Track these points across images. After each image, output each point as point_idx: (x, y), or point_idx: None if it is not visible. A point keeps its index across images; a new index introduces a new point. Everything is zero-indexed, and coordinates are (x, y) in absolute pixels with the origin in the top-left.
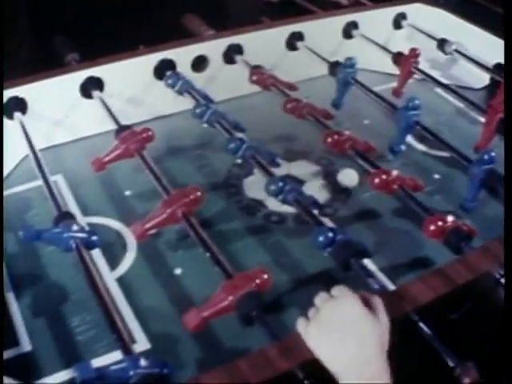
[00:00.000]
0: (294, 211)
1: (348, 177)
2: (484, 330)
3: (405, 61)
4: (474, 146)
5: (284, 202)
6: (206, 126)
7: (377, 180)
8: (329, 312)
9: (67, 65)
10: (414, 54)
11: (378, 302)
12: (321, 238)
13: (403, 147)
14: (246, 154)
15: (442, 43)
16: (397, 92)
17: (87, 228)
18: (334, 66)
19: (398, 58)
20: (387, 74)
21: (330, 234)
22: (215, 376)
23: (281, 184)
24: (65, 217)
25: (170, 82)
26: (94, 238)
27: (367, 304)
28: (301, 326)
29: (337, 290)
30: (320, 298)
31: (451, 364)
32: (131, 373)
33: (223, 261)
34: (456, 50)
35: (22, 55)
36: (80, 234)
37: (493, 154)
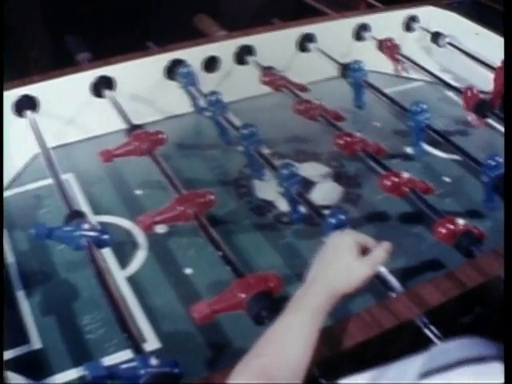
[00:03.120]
0: (304, 212)
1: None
2: (495, 334)
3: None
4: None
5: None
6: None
7: (387, 182)
8: (331, 238)
9: (79, 64)
10: (392, 43)
11: (376, 257)
12: (333, 220)
13: (423, 147)
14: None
15: (435, 36)
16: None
17: (99, 227)
18: (345, 69)
19: (381, 44)
20: (398, 76)
21: (342, 217)
22: (226, 376)
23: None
24: (76, 215)
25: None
26: (106, 236)
27: (366, 249)
28: None
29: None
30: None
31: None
32: (142, 372)
33: (234, 260)
34: (449, 43)
35: (33, 54)
36: (91, 233)
37: (498, 158)
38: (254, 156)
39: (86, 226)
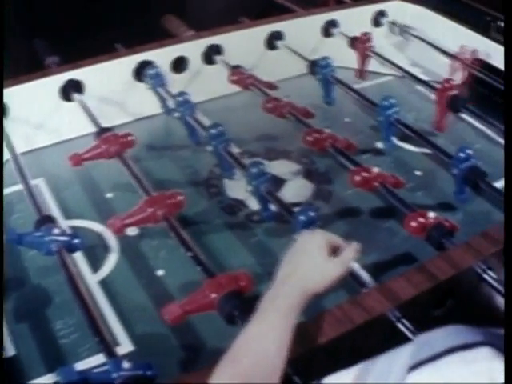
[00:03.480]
0: (274, 210)
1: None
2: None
3: (359, 44)
4: (434, 124)
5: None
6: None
7: (357, 178)
8: (301, 237)
9: (47, 68)
10: (367, 38)
11: (346, 256)
12: (302, 217)
13: (380, 144)
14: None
15: (402, 30)
16: (361, 74)
17: (69, 231)
18: (313, 65)
19: (352, 42)
20: (368, 71)
21: (312, 214)
22: (199, 376)
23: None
24: (46, 220)
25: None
26: (76, 240)
27: (336, 249)
28: None
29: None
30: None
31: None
32: (114, 375)
33: (205, 260)
34: (413, 35)
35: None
36: (61, 238)
37: (468, 151)
38: (223, 155)
39: (56, 231)
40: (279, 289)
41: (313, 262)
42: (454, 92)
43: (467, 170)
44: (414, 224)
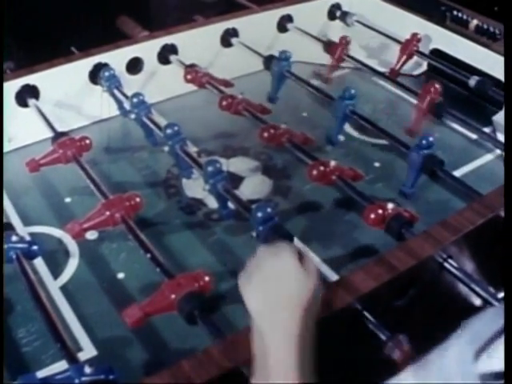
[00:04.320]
0: (233, 208)
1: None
2: (430, 314)
3: (335, 48)
4: (408, 129)
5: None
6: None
7: (315, 172)
8: (264, 259)
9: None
10: (345, 41)
11: (311, 263)
12: (259, 214)
13: (341, 137)
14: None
15: (343, 15)
16: (327, 79)
17: (27, 238)
18: (269, 60)
19: (329, 46)
20: (324, 65)
21: (269, 210)
22: (160, 378)
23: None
24: (4, 228)
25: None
26: (35, 247)
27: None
28: (240, 278)
29: (275, 245)
30: (259, 250)
31: (383, 338)
32: (76, 381)
33: (164, 262)
34: (357, 21)
35: None
36: (20, 245)
37: (431, 138)
38: (179, 155)
39: (14, 239)
40: (276, 318)
41: (295, 279)
42: (437, 97)
43: (426, 159)
44: (372, 216)
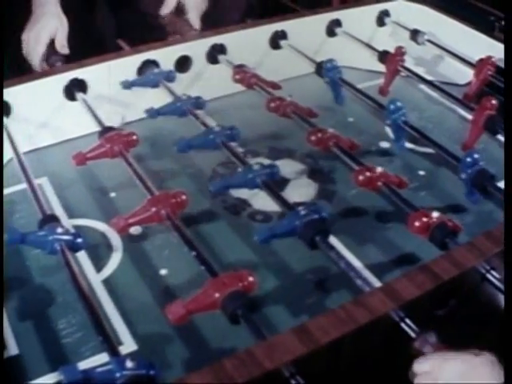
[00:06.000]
0: (278, 210)
1: None
2: (469, 326)
3: (391, 59)
4: (463, 144)
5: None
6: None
7: (361, 177)
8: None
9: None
10: (400, 52)
11: None
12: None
13: (403, 144)
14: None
15: (413, 34)
16: (383, 91)
17: (72, 230)
18: (320, 67)
19: (384, 56)
20: (371, 71)
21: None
22: (201, 376)
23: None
24: (49, 219)
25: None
26: (79, 240)
27: None
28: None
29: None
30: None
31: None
32: (117, 374)
33: (208, 260)
34: (428, 40)
35: None
36: (65, 237)
37: (476, 155)
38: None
39: (59, 230)
40: None
41: None
42: (493, 112)
43: (475, 174)
44: (417, 223)
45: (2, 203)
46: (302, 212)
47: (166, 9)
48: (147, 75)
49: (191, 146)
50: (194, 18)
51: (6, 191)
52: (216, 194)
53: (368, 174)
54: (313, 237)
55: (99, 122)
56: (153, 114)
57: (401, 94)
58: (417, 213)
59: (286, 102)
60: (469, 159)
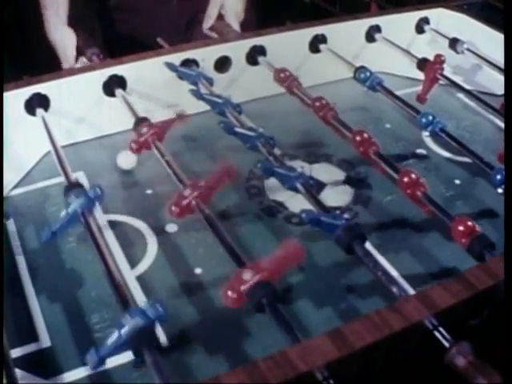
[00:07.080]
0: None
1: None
2: (502, 335)
3: (430, 67)
4: (498, 155)
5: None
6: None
7: (406, 179)
8: None
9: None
10: (440, 60)
11: None
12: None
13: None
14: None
15: (453, 42)
16: (421, 98)
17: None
18: (359, 73)
19: (422, 63)
20: (409, 78)
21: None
22: (235, 376)
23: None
24: (75, 186)
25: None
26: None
27: None
28: None
29: None
30: None
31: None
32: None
33: (244, 259)
34: (468, 49)
35: None
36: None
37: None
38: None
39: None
40: None
41: None
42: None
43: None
44: (461, 228)
45: (2, 203)
46: (343, 216)
47: (208, 23)
48: (191, 69)
49: (235, 132)
50: (234, 25)
51: (43, 184)
52: (251, 196)
53: (413, 176)
54: (350, 242)
55: (136, 116)
56: (197, 94)
57: (438, 102)
58: (461, 218)
59: (329, 106)
60: (495, 173)
